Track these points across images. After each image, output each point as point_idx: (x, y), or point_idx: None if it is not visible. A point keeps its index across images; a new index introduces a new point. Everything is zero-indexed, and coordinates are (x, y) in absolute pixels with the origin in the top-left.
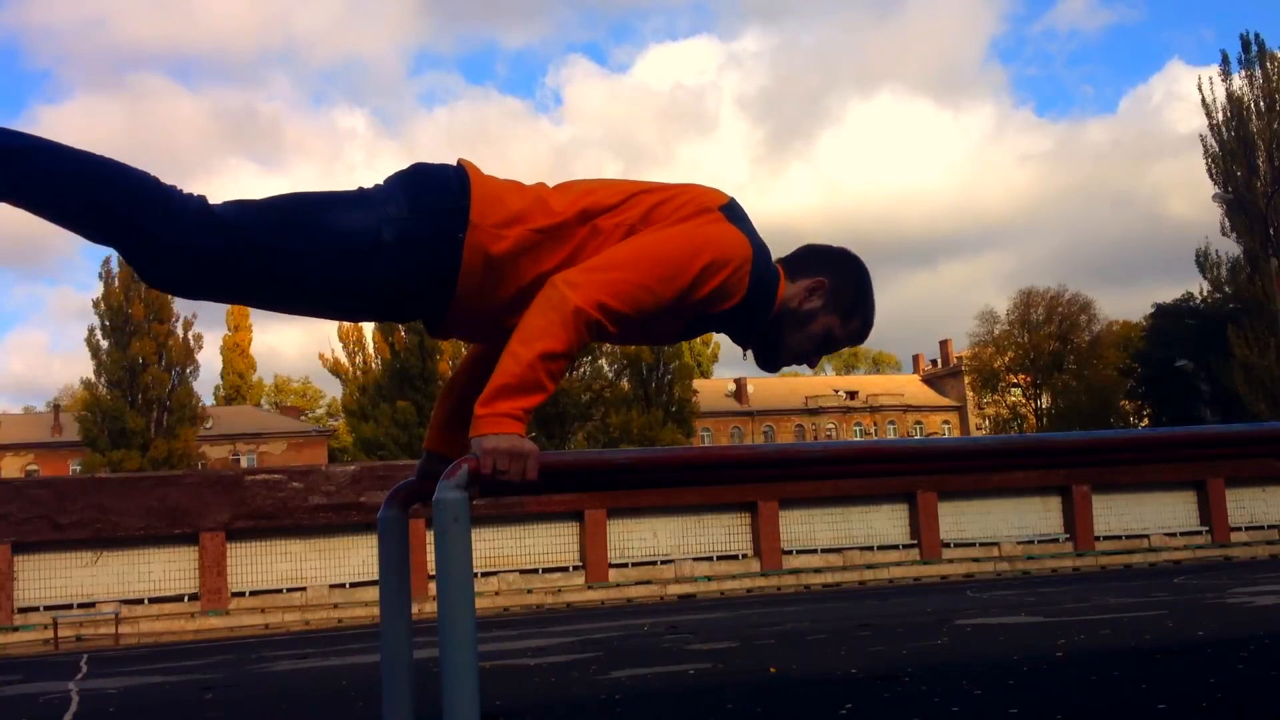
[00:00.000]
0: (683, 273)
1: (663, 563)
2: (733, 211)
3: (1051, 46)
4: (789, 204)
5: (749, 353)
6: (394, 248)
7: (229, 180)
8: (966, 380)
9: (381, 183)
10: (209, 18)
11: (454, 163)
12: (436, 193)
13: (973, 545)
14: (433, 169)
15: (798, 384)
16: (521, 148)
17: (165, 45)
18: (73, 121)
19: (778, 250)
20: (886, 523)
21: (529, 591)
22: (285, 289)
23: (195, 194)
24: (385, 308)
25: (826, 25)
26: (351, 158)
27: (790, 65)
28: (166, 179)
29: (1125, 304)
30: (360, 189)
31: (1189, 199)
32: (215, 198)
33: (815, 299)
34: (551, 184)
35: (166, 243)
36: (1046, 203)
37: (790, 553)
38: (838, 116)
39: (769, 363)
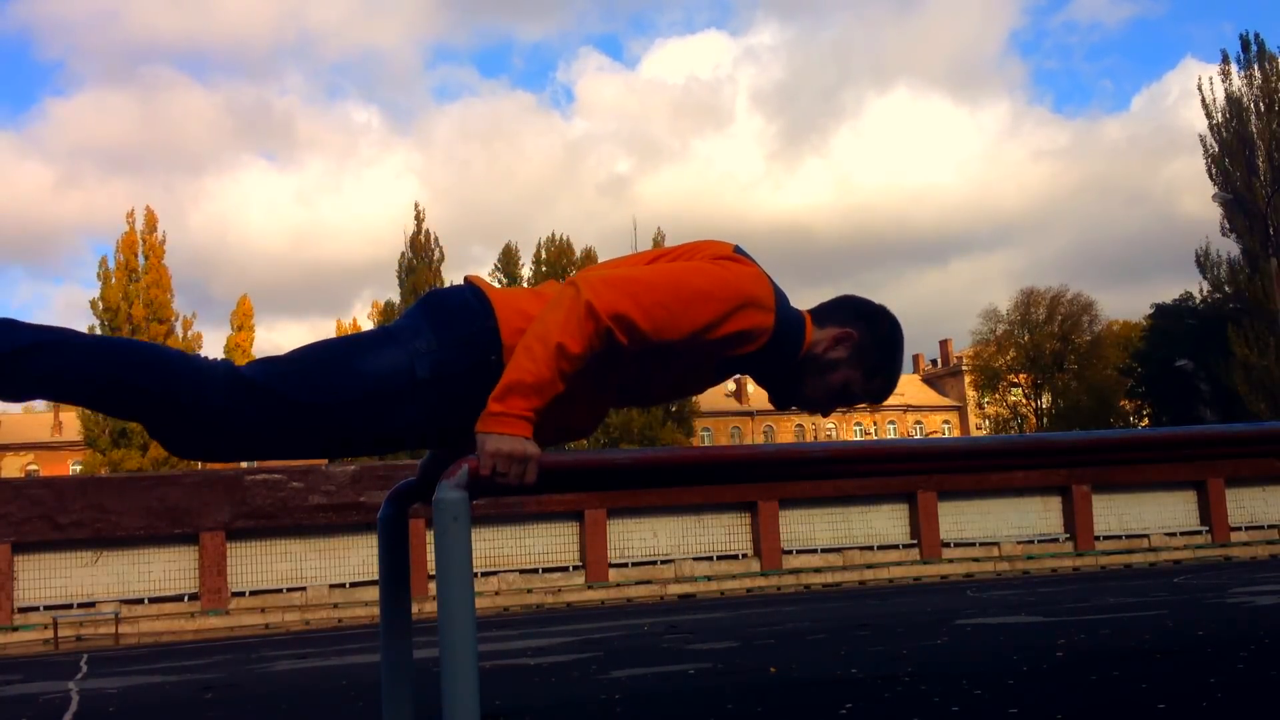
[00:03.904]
0: (706, 302)
1: (663, 562)
2: (746, 255)
3: (1071, 39)
4: (803, 201)
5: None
6: (431, 382)
7: (241, 175)
8: (967, 380)
9: (401, 316)
10: (223, 10)
11: (464, 281)
12: (460, 318)
13: (973, 545)
14: (448, 294)
15: None
16: (538, 143)
17: (179, 38)
18: (83, 115)
19: (788, 249)
20: (886, 523)
21: (529, 591)
22: (326, 440)
23: (220, 359)
24: (435, 437)
25: (844, 18)
26: (365, 154)
27: (806, 59)
28: (177, 175)
29: (1138, 302)
30: (383, 328)
31: (1202, 197)
32: (225, 194)
33: (840, 349)
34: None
35: (200, 416)
36: (1059, 200)
37: (790, 552)
38: (854, 112)
39: (781, 401)
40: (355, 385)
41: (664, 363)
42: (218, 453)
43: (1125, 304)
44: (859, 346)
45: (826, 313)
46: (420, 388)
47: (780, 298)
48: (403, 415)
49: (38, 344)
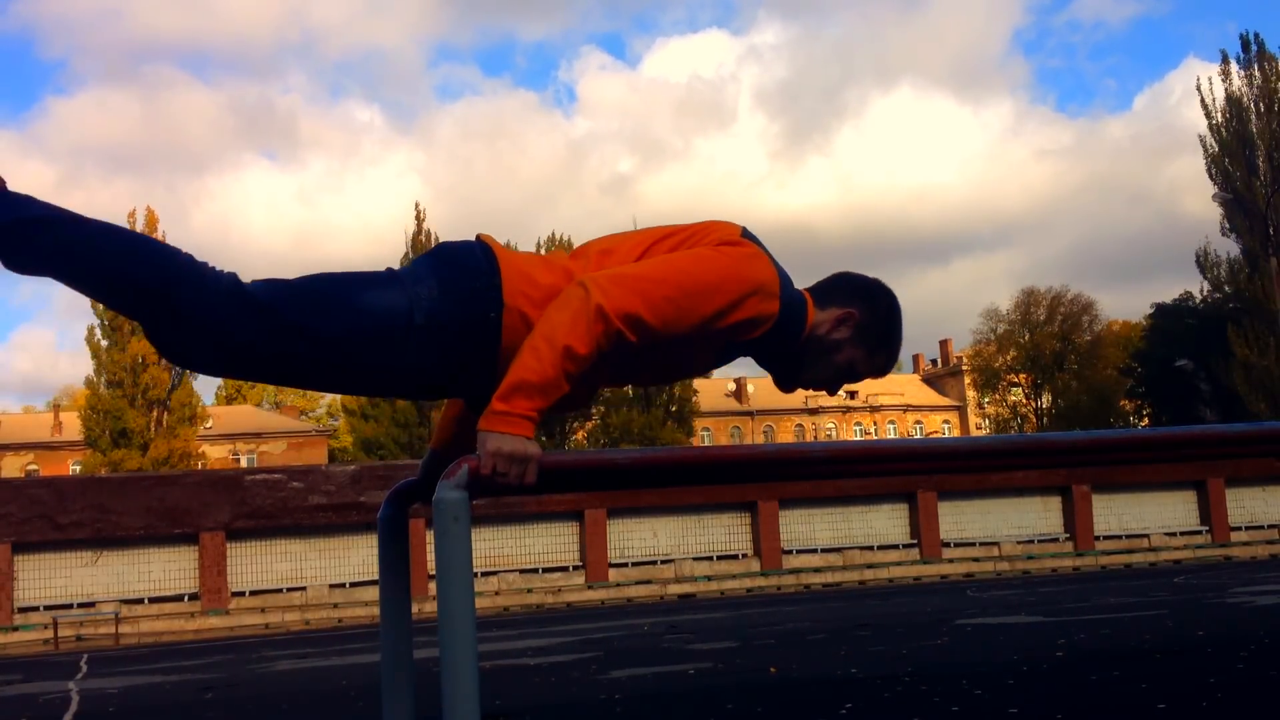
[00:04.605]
0: (713, 294)
1: (663, 562)
2: (752, 238)
3: (1075, 38)
4: (805, 200)
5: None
6: (426, 329)
7: (245, 174)
8: (967, 380)
9: (410, 264)
10: (226, 9)
11: (474, 238)
12: (466, 273)
13: (973, 545)
14: (458, 248)
15: None
16: (540, 142)
17: (181, 37)
18: (85, 113)
19: (790, 249)
20: (886, 523)
21: (529, 591)
22: (316, 369)
23: (226, 271)
24: (422, 387)
25: (847, 17)
26: (368, 153)
27: (810, 58)
28: (180, 174)
29: (1139, 302)
30: (390, 270)
31: (1204, 197)
32: (228, 193)
33: (843, 329)
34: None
35: (198, 321)
36: (1062, 199)
37: (790, 552)
38: (857, 111)
39: (787, 385)
40: (351, 319)
41: (666, 350)
42: (208, 363)
43: (1127, 304)
44: (860, 325)
45: (826, 292)
46: (414, 333)
47: (785, 282)
48: (391, 357)
49: (53, 219)
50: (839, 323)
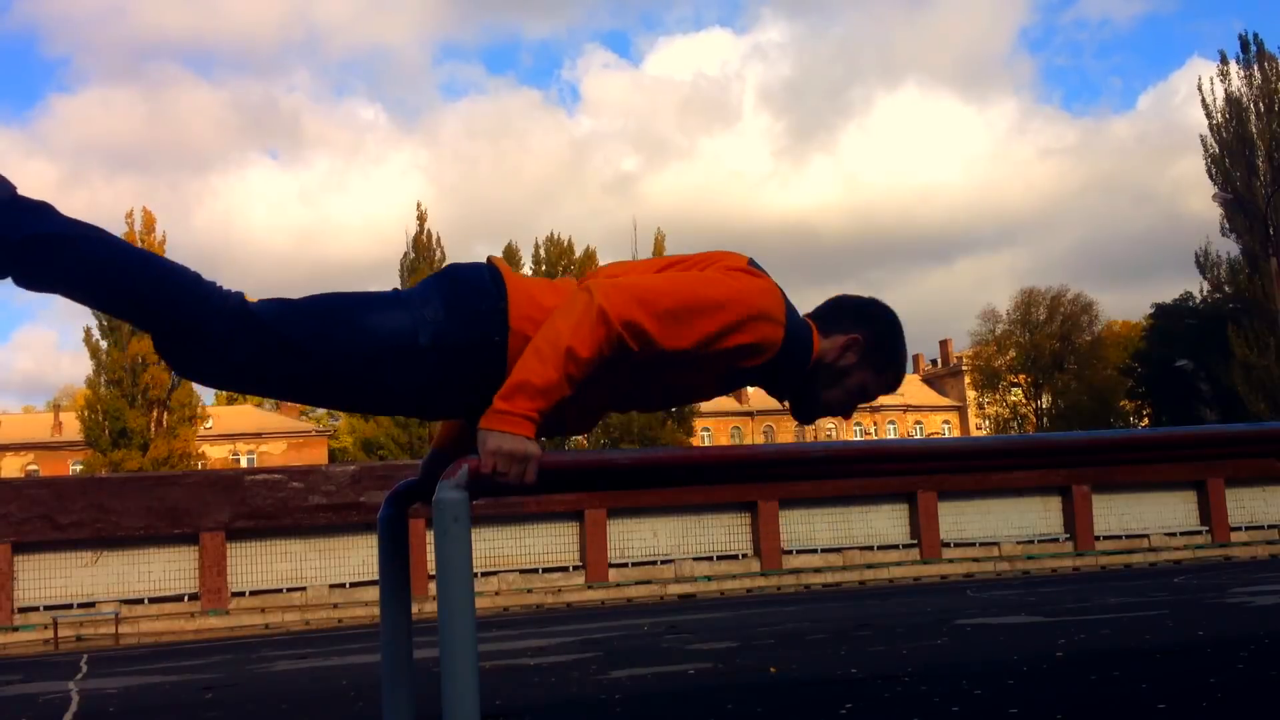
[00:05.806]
0: (716, 312)
1: (663, 563)
2: (759, 268)
3: (1081, 36)
4: (810, 199)
5: (786, 404)
6: (431, 351)
7: (248, 173)
8: (967, 380)
9: (417, 284)
10: (230, 7)
11: (485, 260)
12: (473, 295)
13: (973, 545)
14: (466, 270)
15: None
16: (544, 141)
17: (185, 35)
18: (89, 112)
19: (793, 248)
20: (886, 523)
21: (529, 591)
22: (318, 388)
23: (234, 291)
24: (424, 407)
25: (852, 15)
26: (371, 151)
27: (814, 56)
28: (183, 173)
29: (1142, 302)
30: (395, 291)
31: (1208, 197)
32: (232, 192)
33: (850, 355)
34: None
35: (203, 339)
36: (1066, 199)
37: (790, 552)
38: (862, 109)
39: (806, 416)
40: (355, 340)
41: (670, 370)
42: (213, 378)
43: (1127, 304)
44: (866, 348)
45: (827, 319)
46: (418, 355)
47: (791, 311)
48: (395, 378)
49: (65, 236)
50: (845, 349)
